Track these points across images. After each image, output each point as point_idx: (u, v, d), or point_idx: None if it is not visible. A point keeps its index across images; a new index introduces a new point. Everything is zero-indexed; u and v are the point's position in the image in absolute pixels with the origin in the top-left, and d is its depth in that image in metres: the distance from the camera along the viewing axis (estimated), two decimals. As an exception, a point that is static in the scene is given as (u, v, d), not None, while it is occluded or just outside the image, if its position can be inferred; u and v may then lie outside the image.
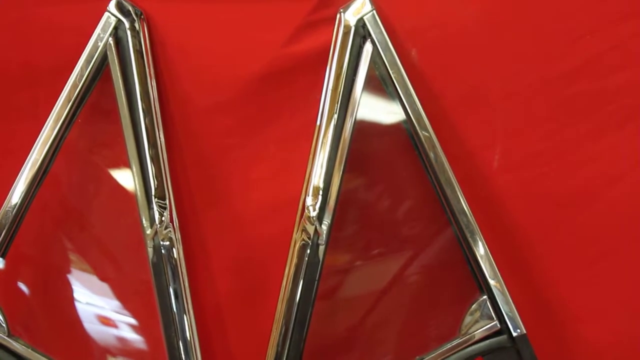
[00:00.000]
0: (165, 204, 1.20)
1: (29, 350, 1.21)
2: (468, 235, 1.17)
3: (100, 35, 1.20)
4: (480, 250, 1.17)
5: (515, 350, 1.18)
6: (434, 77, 1.24)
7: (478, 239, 1.17)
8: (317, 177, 1.18)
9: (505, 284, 1.18)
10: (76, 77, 1.20)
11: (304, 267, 1.18)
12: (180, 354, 1.20)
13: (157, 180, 1.20)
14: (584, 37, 1.22)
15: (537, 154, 1.25)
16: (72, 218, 1.29)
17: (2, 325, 1.21)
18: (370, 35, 1.17)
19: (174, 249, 1.20)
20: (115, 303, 1.28)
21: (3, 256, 1.22)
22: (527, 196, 1.27)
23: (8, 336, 1.21)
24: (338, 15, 1.19)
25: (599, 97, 1.24)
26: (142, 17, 1.21)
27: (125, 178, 1.24)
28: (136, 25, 1.21)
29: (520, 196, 1.27)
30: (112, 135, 1.24)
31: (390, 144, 1.23)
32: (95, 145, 1.27)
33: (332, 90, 1.18)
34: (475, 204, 1.19)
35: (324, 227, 1.17)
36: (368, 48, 1.18)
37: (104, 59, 1.21)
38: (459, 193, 1.17)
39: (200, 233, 1.30)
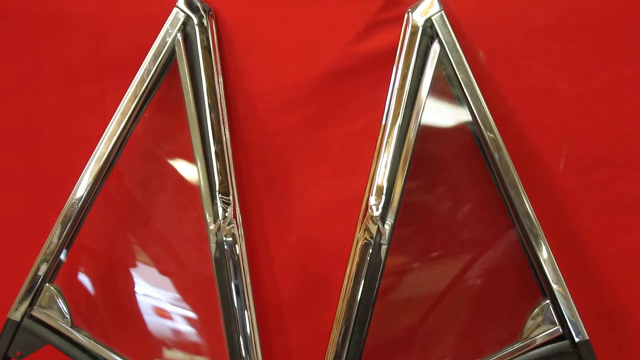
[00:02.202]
0: (229, 199, 1.21)
1: (91, 341, 1.23)
2: (532, 238, 1.16)
3: (169, 31, 1.20)
4: (544, 254, 1.16)
5: (577, 356, 1.18)
6: (501, 79, 1.23)
7: (542, 242, 1.16)
8: (381, 176, 1.18)
9: (569, 289, 1.16)
10: (144, 72, 1.21)
11: (365, 266, 1.17)
12: (240, 349, 1.20)
13: (221, 176, 1.21)
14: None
15: (605, 157, 1.24)
16: (136, 212, 1.30)
17: (65, 317, 1.22)
18: (437, 35, 1.17)
19: (236, 245, 1.20)
20: (176, 297, 1.29)
21: (68, 248, 1.23)
22: (593, 200, 1.26)
23: (71, 327, 1.22)
24: (406, 15, 1.19)
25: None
26: (211, 13, 1.22)
27: (190, 173, 1.25)
28: (204, 21, 1.21)
29: (586, 200, 1.26)
30: (177, 131, 1.25)
31: (455, 145, 1.23)
32: (161, 140, 1.28)
33: (398, 90, 1.18)
34: (540, 207, 1.18)
35: (387, 227, 1.17)
36: (435, 48, 1.18)
37: (171, 55, 1.22)
38: (523, 195, 1.16)
39: (262, 230, 1.30)
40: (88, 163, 1.22)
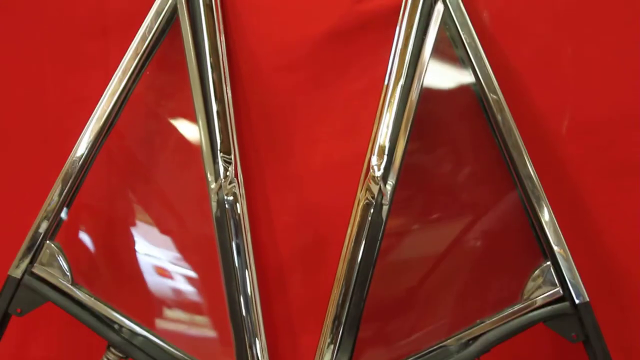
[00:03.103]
0: (231, 158, 1.20)
1: (92, 298, 1.23)
2: (533, 200, 1.16)
3: (171, -11, 1.19)
4: (546, 215, 1.16)
5: (577, 318, 1.17)
6: (505, 40, 1.23)
7: (543, 204, 1.16)
8: (383, 137, 1.17)
9: (570, 251, 1.16)
10: (145, 30, 1.21)
11: (366, 226, 1.17)
12: (240, 309, 1.20)
13: (223, 135, 1.21)
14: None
15: (608, 120, 1.24)
16: (137, 171, 1.30)
17: (66, 274, 1.22)
18: (441, -5, 1.16)
19: (237, 204, 1.20)
20: (177, 256, 1.29)
21: (68, 206, 1.23)
22: (595, 162, 1.26)
23: (72, 284, 1.22)
24: (410, -26, 1.17)
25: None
26: (213, -29, 1.21)
27: (191, 132, 1.25)
28: (207, -22, 1.20)
29: (588, 162, 1.26)
30: (179, 89, 1.24)
31: (458, 107, 1.23)
32: (162, 99, 1.28)
33: (401, 50, 1.18)
34: (542, 168, 1.18)
35: (389, 187, 1.17)
36: (439, 8, 1.18)
37: (173, 13, 1.21)
38: (525, 157, 1.16)
39: (264, 189, 1.30)
40: (89, 121, 1.21)
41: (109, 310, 1.23)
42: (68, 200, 1.23)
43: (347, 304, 1.19)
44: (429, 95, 1.20)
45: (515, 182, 1.18)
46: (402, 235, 1.24)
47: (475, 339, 1.19)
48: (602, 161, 1.25)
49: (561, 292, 1.17)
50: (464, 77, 1.20)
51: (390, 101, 1.18)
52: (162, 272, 1.29)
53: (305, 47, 1.26)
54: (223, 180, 1.20)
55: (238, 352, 1.22)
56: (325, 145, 1.29)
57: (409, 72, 1.18)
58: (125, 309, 1.24)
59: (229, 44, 1.25)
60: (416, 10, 1.18)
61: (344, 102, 1.28)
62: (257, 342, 1.21)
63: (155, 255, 1.29)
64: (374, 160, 1.17)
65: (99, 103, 1.21)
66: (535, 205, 1.17)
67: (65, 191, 1.22)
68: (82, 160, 1.21)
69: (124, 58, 1.21)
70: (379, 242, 1.18)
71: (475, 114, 1.20)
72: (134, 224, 1.29)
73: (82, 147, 1.21)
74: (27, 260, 1.22)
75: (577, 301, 1.17)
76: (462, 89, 1.21)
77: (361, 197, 1.19)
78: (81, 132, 1.21)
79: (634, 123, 1.23)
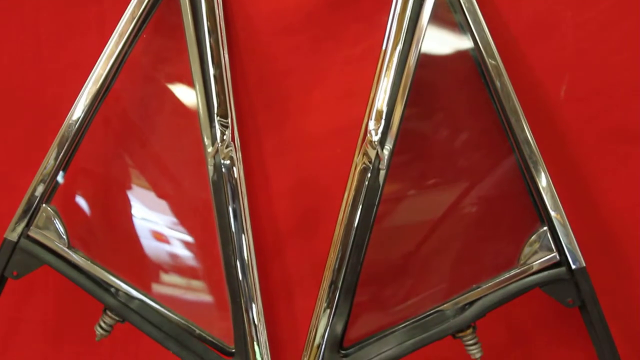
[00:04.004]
0: (227, 122, 1.20)
1: (88, 262, 1.23)
2: (531, 165, 1.16)
3: (168, -50, 1.19)
4: (543, 181, 1.16)
5: (573, 283, 1.17)
6: (504, 5, 1.22)
7: (541, 169, 1.16)
8: (380, 101, 1.17)
9: (567, 217, 1.15)
10: (142, -7, 1.19)
11: (363, 191, 1.17)
12: (237, 272, 1.20)
13: (220, 99, 1.20)
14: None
15: (607, 85, 1.24)
16: (133, 134, 1.29)
17: (62, 237, 1.22)
18: (439, -42, 1.15)
19: (234, 168, 1.20)
20: (173, 220, 1.29)
21: (64, 170, 1.23)
22: (593, 128, 1.25)
23: (68, 248, 1.22)
24: (408, -62, 1.16)
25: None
26: None
27: (188, 96, 1.24)
28: (204, -60, 1.19)
29: (586, 128, 1.25)
30: (176, 53, 1.24)
31: (456, 72, 1.22)
32: (159, 63, 1.27)
33: (399, 15, 1.17)
34: (540, 134, 1.17)
35: (386, 152, 1.17)
36: (437, -28, 1.16)
37: (170, -25, 1.20)
38: (523, 122, 1.16)
39: (261, 154, 1.30)
40: (85, 84, 1.21)
41: (106, 273, 1.23)
42: (64, 164, 1.22)
43: (344, 268, 1.19)
44: (427, 61, 1.20)
45: (512, 147, 1.18)
46: (399, 200, 1.24)
47: (471, 303, 1.19)
48: (601, 127, 1.25)
49: (558, 257, 1.17)
50: (463, 42, 1.19)
51: (388, 66, 1.17)
52: (159, 236, 1.29)
53: (303, 11, 1.25)
54: (220, 144, 1.20)
55: (234, 316, 1.22)
56: (323, 110, 1.28)
57: (407, 37, 1.17)
58: (121, 273, 1.23)
59: (227, 8, 1.25)
60: (415, -26, 1.16)
61: (342, 67, 1.27)
62: (254, 306, 1.21)
63: (152, 219, 1.29)
64: (372, 125, 1.17)
65: (95, 66, 1.20)
66: (533, 170, 1.16)
67: (61, 155, 1.21)
68: (78, 123, 1.21)
69: (121, 21, 1.20)
70: (375, 206, 1.18)
71: (474, 79, 1.20)
72: (130, 188, 1.29)
73: (78, 110, 1.21)
74: (23, 224, 1.22)
75: (573, 266, 1.16)
76: (461, 54, 1.20)
77: (358, 161, 1.18)
78: (77, 96, 1.20)
79: (632, 89, 1.23)
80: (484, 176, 1.23)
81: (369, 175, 1.17)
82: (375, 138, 1.17)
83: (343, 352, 1.21)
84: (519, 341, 1.36)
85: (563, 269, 1.17)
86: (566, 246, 1.16)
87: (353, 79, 1.26)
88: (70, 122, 1.21)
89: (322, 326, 1.20)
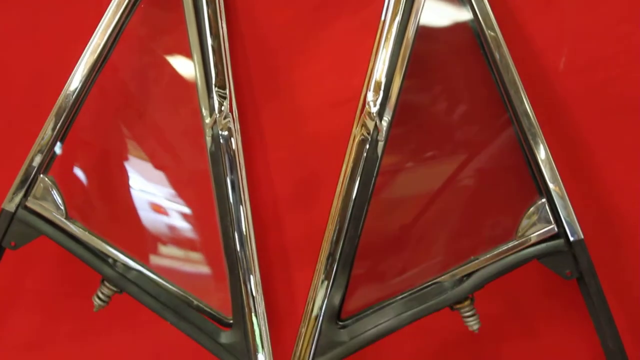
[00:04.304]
0: (225, 93, 1.19)
1: (86, 232, 1.22)
2: (530, 137, 1.16)
3: None
4: (542, 153, 1.15)
5: (571, 255, 1.17)
6: (504, -25, 1.20)
7: (540, 141, 1.16)
8: (379, 73, 1.17)
9: (565, 189, 1.15)
10: (139, -38, 1.18)
11: (362, 163, 1.17)
12: (235, 244, 1.20)
13: (217, 70, 1.19)
14: None
15: (607, 57, 1.23)
16: (131, 106, 1.28)
17: (60, 208, 1.22)
18: None
19: (232, 139, 1.20)
20: (171, 192, 1.28)
21: (62, 141, 1.22)
22: (593, 100, 1.25)
23: (65, 218, 1.22)
24: None
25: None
26: None
27: (186, 66, 1.24)
28: None
29: (585, 100, 1.25)
30: (174, 24, 1.23)
31: (455, 43, 1.21)
32: (157, 33, 1.26)
33: (398, -15, 1.16)
34: (539, 106, 1.17)
35: (384, 124, 1.16)
36: (437, -58, 1.15)
37: (168, -55, 1.19)
38: (522, 94, 1.15)
39: (259, 125, 1.29)
40: (82, 55, 1.20)
41: (103, 244, 1.23)
42: (62, 135, 1.22)
43: (342, 240, 1.19)
44: (426, 32, 1.19)
45: (511, 119, 1.18)
46: (398, 172, 1.24)
47: (469, 275, 1.20)
48: (601, 98, 1.25)
49: (556, 229, 1.17)
50: (462, 13, 1.19)
51: (386, 37, 1.17)
52: (157, 208, 1.29)
53: (302, -19, 1.23)
54: (218, 115, 1.19)
55: (232, 287, 1.22)
56: (321, 81, 1.28)
57: (406, 8, 1.17)
58: (119, 244, 1.23)
59: (225, -23, 1.23)
60: (414, -56, 1.16)
61: (340, 38, 1.26)
62: (252, 277, 1.21)
63: (150, 190, 1.29)
64: (370, 96, 1.17)
65: (92, 36, 1.19)
66: (532, 142, 1.16)
67: (58, 125, 1.21)
68: (75, 94, 1.20)
69: (119, -9, 1.18)
70: (374, 178, 1.18)
71: (473, 51, 1.19)
72: (128, 159, 1.29)
73: (75, 81, 1.20)
74: (20, 194, 1.22)
75: (571, 238, 1.16)
76: (460, 26, 1.20)
77: (357, 133, 1.18)
78: (74, 66, 1.19)
79: (633, 60, 1.22)
80: (483, 148, 1.23)
81: (368, 146, 1.17)
82: (374, 109, 1.16)
83: (341, 323, 1.22)
84: (517, 313, 1.36)
85: (561, 241, 1.17)
86: (564, 218, 1.16)
87: (352, 49, 1.26)
88: (67, 92, 1.20)
89: (319, 298, 1.21)
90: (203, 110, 1.20)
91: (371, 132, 1.16)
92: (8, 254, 1.23)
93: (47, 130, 1.20)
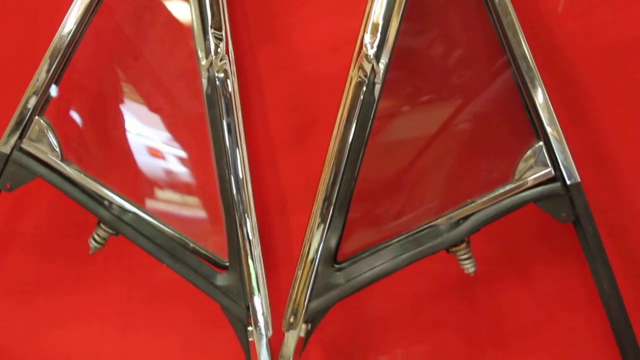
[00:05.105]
0: (222, 35, 1.18)
1: (81, 175, 1.22)
2: (528, 80, 1.15)
3: None
4: (539, 96, 1.15)
5: (568, 199, 1.17)
6: None
7: (538, 84, 1.15)
8: (376, 14, 1.16)
9: (563, 132, 1.15)
10: None
11: (358, 105, 1.16)
12: (231, 187, 1.20)
13: (213, 11, 1.18)
14: None
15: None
16: (126, 47, 1.27)
17: (55, 150, 1.21)
18: None
19: (228, 81, 1.19)
20: (167, 135, 1.28)
21: (57, 83, 1.21)
22: (591, 44, 1.24)
23: (61, 160, 1.21)
24: None
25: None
26: None
27: (182, 8, 1.23)
28: None
29: (584, 44, 1.24)
30: (169, -36, 1.21)
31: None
32: (153, -26, 1.24)
33: None
34: (537, 49, 1.16)
35: (381, 66, 1.16)
36: None
37: None
38: (520, 37, 1.14)
39: (255, 67, 1.29)
40: (77, -4, 1.18)
41: (99, 186, 1.23)
42: (56, 77, 1.21)
43: (338, 184, 1.19)
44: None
45: (509, 62, 1.17)
46: (394, 116, 1.23)
47: (465, 218, 1.19)
48: (598, 41, 1.24)
49: (553, 172, 1.17)
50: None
51: (384, -22, 1.15)
52: (152, 151, 1.28)
53: None
54: (214, 57, 1.18)
55: (228, 230, 1.22)
56: (318, 23, 1.28)
57: (405, -51, 1.14)
58: (115, 187, 1.23)
59: None
60: None
61: (338, -22, 1.24)
62: (248, 221, 1.21)
63: (145, 133, 1.28)
64: (367, 38, 1.16)
65: (87, -23, 1.17)
66: (530, 85, 1.15)
67: (53, 67, 1.20)
68: (70, 36, 1.20)
69: None
70: (370, 121, 1.17)
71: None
72: (123, 102, 1.28)
73: (70, 22, 1.19)
74: (15, 136, 1.22)
75: (568, 182, 1.16)
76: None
77: (353, 75, 1.17)
78: (69, 7, 1.18)
79: (631, 2, 1.21)
80: (480, 91, 1.22)
81: (364, 89, 1.16)
82: (371, 51, 1.15)
83: (337, 266, 1.22)
84: (513, 256, 1.36)
85: (558, 184, 1.17)
86: (561, 162, 1.16)
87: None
88: (62, 34, 1.19)
89: (315, 241, 1.21)
90: (199, 52, 1.19)
91: (368, 74, 1.15)
92: (4, 196, 1.22)
93: (42, 72, 1.20)
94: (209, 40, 1.18)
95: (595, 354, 1.35)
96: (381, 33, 1.16)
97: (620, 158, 1.29)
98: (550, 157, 1.16)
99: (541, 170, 1.17)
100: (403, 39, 1.17)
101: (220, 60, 1.18)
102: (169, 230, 1.24)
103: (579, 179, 1.16)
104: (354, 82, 1.17)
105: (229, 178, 1.20)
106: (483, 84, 1.21)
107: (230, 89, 1.19)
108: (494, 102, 1.21)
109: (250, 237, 1.21)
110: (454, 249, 1.20)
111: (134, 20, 1.27)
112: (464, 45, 1.22)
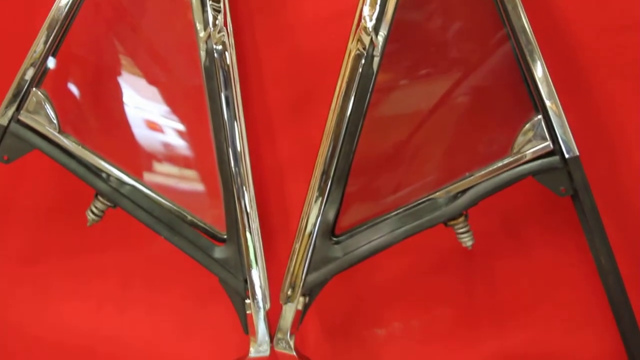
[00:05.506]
0: (220, 6, 1.18)
1: (79, 147, 1.22)
2: (527, 54, 1.15)
3: None
4: (539, 70, 1.15)
5: (566, 172, 1.17)
6: None
7: (537, 58, 1.14)
8: (375, -14, 1.14)
9: (562, 106, 1.14)
10: None
11: (357, 78, 1.16)
12: (229, 160, 1.20)
13: (212, -18, 1.17)
14: None
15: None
16: (124, 19, 1.27)
17: (53, 122, 1.21)
18: None
19: (226, 53, 1.18)
20: (164, 107, 1.27)
21: (54, 55, 1.21)
22: (591, 18, 1.24)
23: (59, 132, 1.21)
24: None
25: None
26: None
27: (180, -21, 1.21)
28: None
29: (583, 17, 1.24)
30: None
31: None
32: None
33: None
34: (536, 22, 1.15)
35: (380, 39, 1.15)
36: None
37: None
38: (520, 10, 1.14)
39: (254, 40, 1.28)
40: (75, -34, 1.17)
41: (97, 158, 1.23)
42: (54, 48, 1.21)
43: (336, 157, 1.19)
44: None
45: (508, 35, 1.16)
46: (393, 89, 1.23)
47: (463, 192, 1.19)
48: (598, 15, 1.24)
49: (551, 146, 1.17)
50: None
51: (383, -51, 1.14)
52: (150, 124, 1.28)
53: None
54: (212, 28, 1.18)
55: (226, 203, 1.22)
56: (318, -5, 1.25)
57: None
58: (113, 159, 1.23)
59: None
60: None
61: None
62: (246, 193, 1.21)
63: (143, 106, 1.28)
64: (366, 11, 1.16)
65: (85, -52, 1.17)
66: (529, 59, 1.15)
67: (51, 39, 1.20)
68: (67, 7, 1.19)
69: None
70: (369, 94, 1.17)
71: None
72: (121, 75, 1.27)
73: (67, -7, 1.18)
74: (13, 108, 1.21)
75: (567, 155, 1.16)
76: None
77: (352, 47, 1.17)
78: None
79: (635, -24, 1.20)
80: (479, 65, 1.21)
81: (363, 61, 1.16)
82: (370, 24, 1.15)
83: (335, 239, 1.22)
84: (511, 230, 1.36)
85: (556, 157, 1.17)
86: (560, 135, 1.16)
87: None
88: (59, 5, 1.19)
89: (313, 214, 1.20)
90: (197, 24, 1.19)
91: (367, 47, 1.15)
92: (1, 168, 1.22)
93: (39, 44, 1.20)
94: (207, 12, 1.18)
95: (593, 328, 1.36)
96: (380, 5, 1.15)
97: (620, 131, 1.28)
98: (549, 131, 1.16)
99: (540, 144, 1.17)
100: (402, 12, 1.16)
101: (219, 32, 1.18)
102: (167, 203, 1.23)
103: (577, 153, 1.16)
104: (352, 54, 1.16)
105: (227, 151, 1.20)
106: (482, 57, 1.21)
107: (228, 61, 1.19)
108: (493, 76, 1.21)
109: (248, 210, 1.21)
110: (452, 223, 1.20)
111: (132, -8, 1.25)
112: (463, 18, 1.22)
